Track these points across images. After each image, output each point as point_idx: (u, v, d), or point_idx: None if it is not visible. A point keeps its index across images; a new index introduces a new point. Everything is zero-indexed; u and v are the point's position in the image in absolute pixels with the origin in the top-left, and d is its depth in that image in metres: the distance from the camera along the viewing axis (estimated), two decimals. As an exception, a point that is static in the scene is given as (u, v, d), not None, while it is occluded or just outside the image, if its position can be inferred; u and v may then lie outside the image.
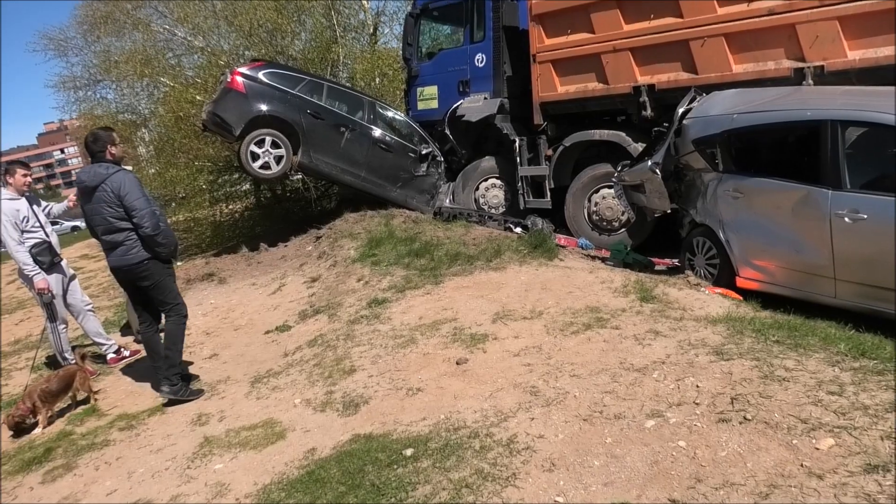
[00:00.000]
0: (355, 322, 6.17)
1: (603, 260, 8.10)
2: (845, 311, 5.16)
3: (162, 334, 5.72)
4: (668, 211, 7.29)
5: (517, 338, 5.02)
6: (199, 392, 5.54)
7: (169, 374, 5.47)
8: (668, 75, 8.27)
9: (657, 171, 6.99)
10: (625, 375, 3.95)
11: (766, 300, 5.73)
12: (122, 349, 6.76)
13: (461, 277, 6.91)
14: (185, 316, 5.61)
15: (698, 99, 7.01)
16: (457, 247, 8.07)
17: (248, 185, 14.13)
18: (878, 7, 6.68)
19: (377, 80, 14.05)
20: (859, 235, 5.12)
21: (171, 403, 5.30)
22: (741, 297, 6.08)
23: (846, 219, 5.20)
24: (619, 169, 7.77)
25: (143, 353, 5.95)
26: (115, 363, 6.62)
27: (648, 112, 8.43)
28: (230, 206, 14.47)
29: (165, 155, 14.50)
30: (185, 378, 5.59)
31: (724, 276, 6.47)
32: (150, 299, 5.60)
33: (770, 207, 5.93)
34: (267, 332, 6.71)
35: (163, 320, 6.14)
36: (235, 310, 7.88)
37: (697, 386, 3.60)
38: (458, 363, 4.74)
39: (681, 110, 6.88)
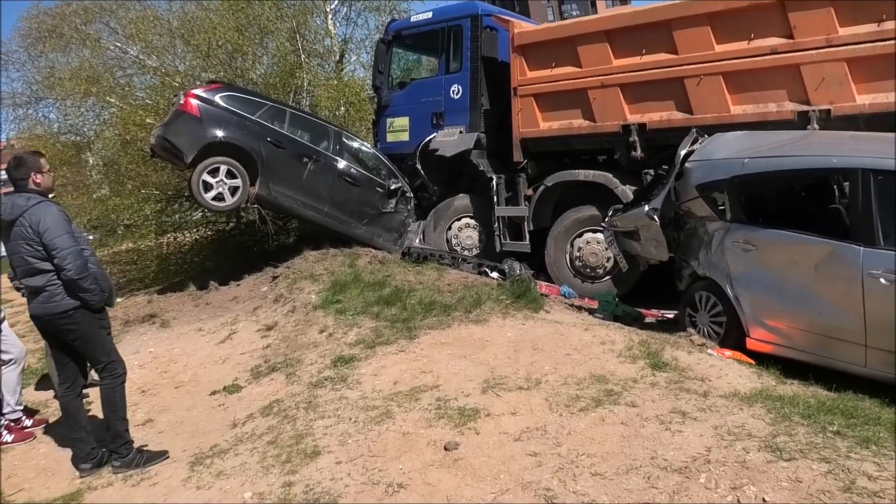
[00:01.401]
0: (318, 385, 5.30)
1: (590, 311, 7.42)
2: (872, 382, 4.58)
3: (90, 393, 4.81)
4: (665, 260, 6.65)
5: (515, 414, 4.24)
6: (162, 454, 4.68)
7: (116, 446, 4.62)
8: (660, 114, 7.74)
9: (655, 217, 6.37)
10: (663, 478, 3.19)
11: (786, 367, 5.09)
12: (24, 419, 5.65)
13: (439, 331, 6.12)
14: (122, 375, 4.70)
15: (700, 140, 6.44)
16: (431, 294, 7.28)
17: (198, 215, 13.12)
18: (891, 50, 6.25)
19: (342, 108, 13.29)
20: None
21: (94, 488, 4.35)
22: (752, 361, 5.46)
23: (882, 279, 4.62)
24: (611, 213, 7.13)
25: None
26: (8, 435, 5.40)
27: (638, 153, 7.87)
28: (178, 238, 13.40)
29: (109, 181, 13.43)
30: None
31: (731, 336, 5.84)
32: (78, 355, 4.68)
33: (788, 263, 5.34)
34: (213, 393, 5.78)
35: (92, 376, 5.25)
36: (178, 361, 6.91)
37: (764, 500, 2.87)
38: (446, 448, 3.93)
39: (682, 152, 6.30)
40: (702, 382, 4.57)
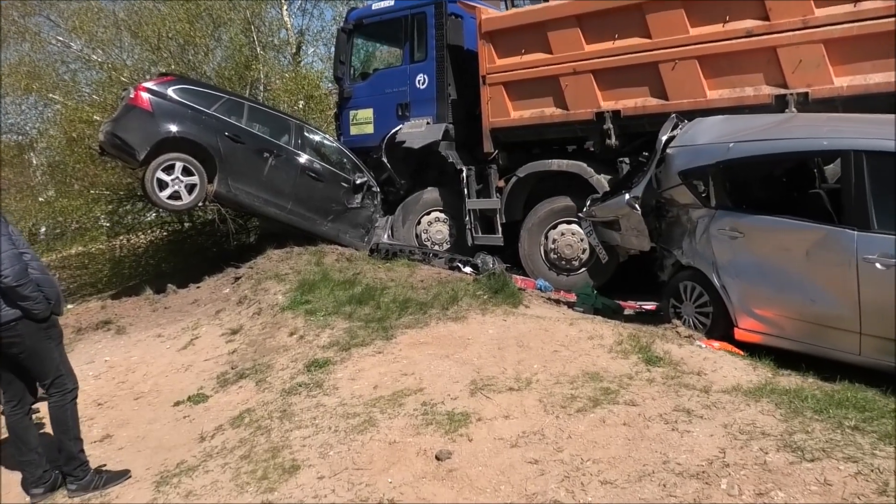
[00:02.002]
0: (292, 392, 4.95)
1: (569, 305, 7.20)
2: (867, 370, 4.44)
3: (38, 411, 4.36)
4: (646, 250, 6.46)
5: (508, 418, 3.96)
6: (123, 474, 4.30)
7: (70, 469, 4.22)
8: (634, 101, 7.55)
9: (636, 206, 6.17)
10: (680, 484, 2.95)
11: (777, 357, 4.93)
12: None
13: (416, 330, 5.81)
14: (73, 390, 4.28)
15: (681, 126, 6.25)
16: (405, 291, 6.97)
17: (152, 216, 12.54)
18: (868, 30, 6.15)
19: (301, 102, 12.84)
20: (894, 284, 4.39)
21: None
22: (741, 352, 5.30)
23: (877, 264, 4.47)
24: (589, 203, 6.90)
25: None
26: None
27: (613, 141, 7.67)
28: (132, 240, 12.79)
29: (55, 182, 12.74)
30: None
31: (718, 327, 5.66)
32: (24, 370, 4.25)
33: (778, 250, 5.17)
34: (177, 404, 5.37)
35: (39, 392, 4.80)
36: (136, 370, 6.45)
37: (795, 507, 2.66)
38: (438, 458, 3.63)
39: (663, 138, 6.09)
40: (699, 377, 4.37)
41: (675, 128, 6.21)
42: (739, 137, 5.55)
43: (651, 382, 4.21)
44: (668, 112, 7.03)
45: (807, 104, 6.51)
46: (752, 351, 5.18)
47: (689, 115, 6.55)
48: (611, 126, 7.62)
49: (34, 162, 14.80)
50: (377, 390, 4.69)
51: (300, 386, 5.01)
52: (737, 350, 5.37)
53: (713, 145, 5.67)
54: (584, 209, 6.92)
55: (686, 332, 5.66)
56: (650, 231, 6.26)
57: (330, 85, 14.26)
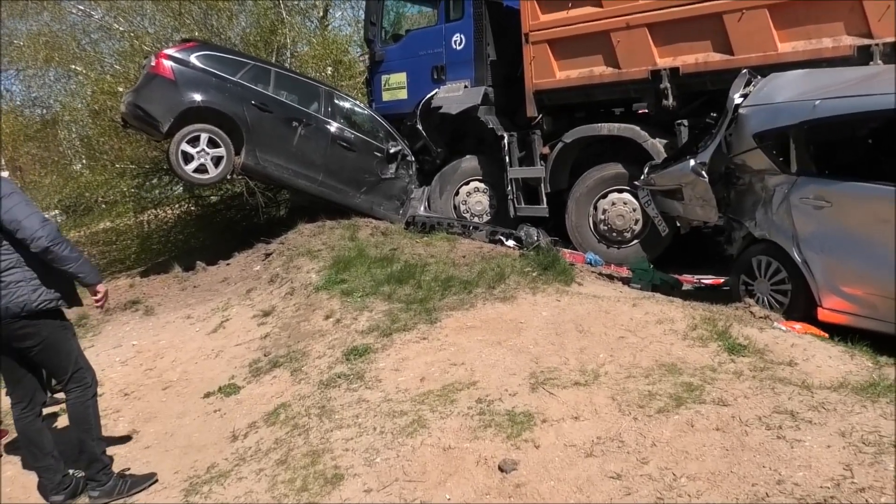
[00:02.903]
0: (330, 385, 4.51)
1: (624, 281, 6.65)
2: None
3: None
4: (713, 221, 5.86)
5: (578, 419, 3.47)
6: (149, 478, 3.93)
7: (93, 473, 3.83)
8: (695, 57, 6.87)
9: (703, 172, 5.56)
10: (808, 515, 2.45)
11: (875, 341, 4.36)
12: None
13: (462, 313, 5.33)
14: (93, 385, 3.88)
15: (754, 83, 5.60)
16: (446, 268, 6.48)
17: (180, 190, 12.17)
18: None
19: (329, 69, 12.29)
20: None
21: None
22: (825, 334, 4.74)
23: None
24: (647, 170, 6.32)
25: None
26: None
27: (670, 101, 7.02)
28: (160, 215, 12.44)
29: (84, 156, 12.43)
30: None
31: (798, 306, 5.10)
32: (35, 366, 3.86)
33: (873, 221, 4.56)
34: (207, 395, 4.97)
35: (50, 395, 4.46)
36: (165, 355, 6.09)
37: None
38: (502, 469, 3.16)
39: (736, 97, 5.46)
40: (791, 368, 3.83)
41: (747, 84, 5.57)
42: (826, 94, 4.90)
43: (739, 376, 3.68)
44: (732, 69, 6.41)
45: (894, 56, 5.82)
46: (839, 334, 4.62)
47: (758, 71, 5.89)
48: (668, 85, 6.97)
49: (61, 136, 14.48)
50: (425, 383, 4.23)
51: (339, 377, 4.57)
52: (820, 332, 4.81)
53: (795, 103, 5.04)
54: (642, 177, 6.34)
55: (761, 312, 5.11)
56: (718, 200, 5.67)
57: (359, 50, 13.70)
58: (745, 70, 5.70)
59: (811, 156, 4.98)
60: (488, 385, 4.03)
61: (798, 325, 4.90)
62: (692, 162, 5.67)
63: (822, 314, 4.92)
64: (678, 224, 6.36)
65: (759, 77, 5.65)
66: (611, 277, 6.84)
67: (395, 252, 7.13)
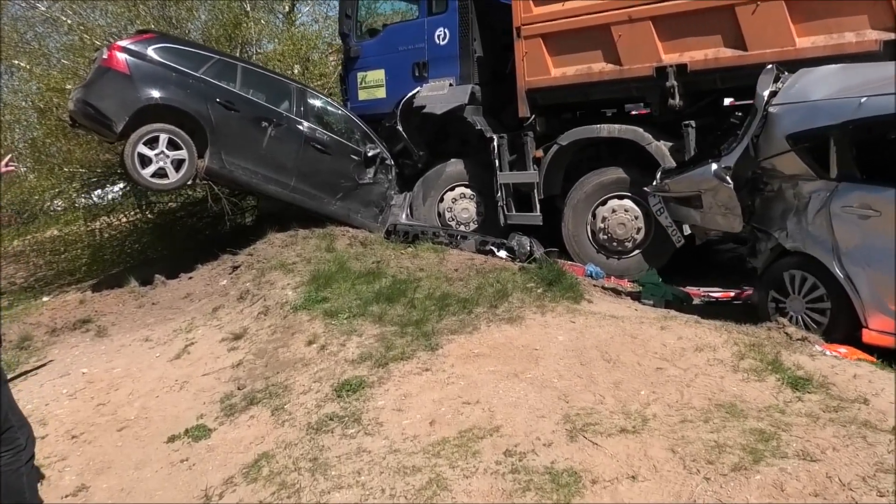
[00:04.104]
0: (321, 428, 3.82)
1: (634, 297, 6.10)
2: None
3: None
4: (737, 231, 5.34)
5: (636, 479, 2.86)
6: None
7: None
8: (704, 52, 6.37)
9: (727, 178, 5.04)
10: None
11: None
12: None
13: (465, 337, 4.70)
14: (28, 446, 3.13)
15: (782, 79, 5.10)
16: (440, 284, 5.85)
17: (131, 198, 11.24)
18: None
19: (297, 67, 11.53)
20: None
21: None
22: (873, 359, 4.25)
23: None
24: (660, 175, 5.78)
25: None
26: None
27: (676, 101, 6.50)
28: (113, 221, 11.47)
29: (34, 160, 11.42)
30: None
31: (839, 327, 4.62)
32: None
33: (931, 233, 4.09)
34: (172, 440, 4.23)
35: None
36: (120, 387, 5.30)
37: None
38: (555, 552, 2.54)
39: (765, 94, 4.94)
40: (867, 408, 3.29)
41: (776, 80, 5.06)
42: (873, 90, 4.41)
43: (815, 420, 3.13)
44: (745, 65, 6.00)
45: (923, 52, 5.39)
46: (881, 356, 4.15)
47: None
48: (675, 83, 6.44)
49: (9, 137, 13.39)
50: (436, 428, 3.58)
51: (331, 419, 3.89)
52: (868, 357, 4.32)
53: (836, 101, 4.55)
54: (654, 182, 5.80)
55: (798, 333, 4.59)
56: (743, 208, 5.15)
57: (326, 46, 12.98)
58: (772, 65, 5.19)
59: (855, 159, 4.49)
60: (514, 431, 3.40)
61: (843, 349, 4.41)
62: (714, 166, 5.14)
63: (868, 336, 4.44)
64: (693, 234, 5.83)
65: (787, 73, 5.16)
66: (616, 292, 6.29)
67: (380, 265, 6.47)
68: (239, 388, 4.70)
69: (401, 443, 3.50)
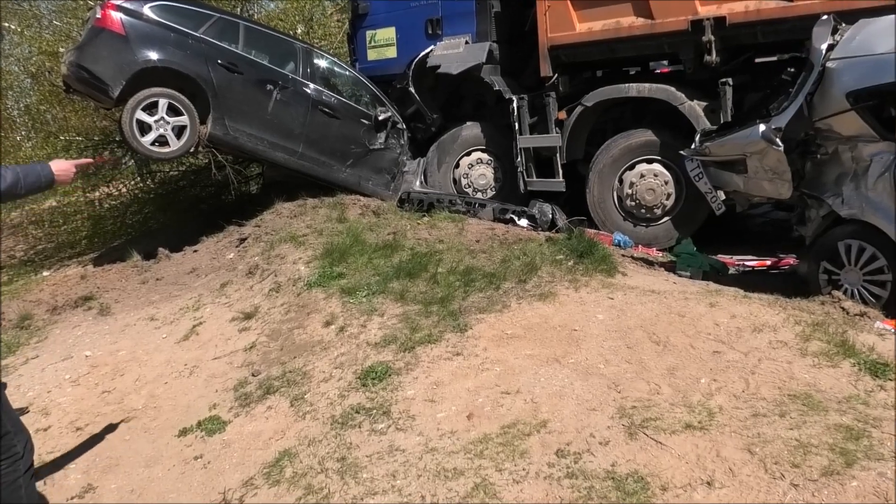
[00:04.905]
0: (346, 422, 3.50)
1: (668, 268, 5.74)
2: None
3: None
4: (787, 198, 4.95)
5: (711, 486, 2.54)
6: None
7: None
8: (745, 4, 5.90)
9: (778, 140, 4.62)
10: None
11: None
12: None
13: (495, 316, 4.35)
14: (26, 455, 2.80)
15: (840, 30, 4.66)
16: (462, 257, 5.49)
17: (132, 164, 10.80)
18: None
19: (300, 27, 11.00)
20: None
21: None
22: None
23: None
24: (699, 138, 5.37)
25: None
26: None
27: (713, 57, 6.04)
28: (113, 192, 11.05)
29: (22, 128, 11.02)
30: None
31: (901, 301, 4.26)
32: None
33: None
34: (183, 433, 3.92)
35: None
36: (126, 372, 4.98)
37: None
38: (631, 577, 2.22)
39: (823, 47, 4.50)
40: (958, 395, 2.94)
41: (833, 33, 4.62)
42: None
43: (905, 413, 2.78)
44: (790, 17, 5.50)
45: None
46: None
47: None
48: (711, 38, 5.98)
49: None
50: (475, 422, 3.25)
51: (357, 411, 3.56)
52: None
53: (905, 54, 4.11)
54: (693, 145, 5.39)
55: (856, 308, 4.25)
56: (793, 173, 4.75)
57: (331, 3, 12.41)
58: (828, 15, 4.74)
59: (924, 119, 4.09)
60: (564, 426, 3.07)
61: (904, 324, 4.06)
62: (762, 127, 4.72)
63: (934, 311, 4.09)
64: (734, 201, 5.44)
65: (843, 24, 4.71)
66: (649, 263, 5.93)
67: (397, 237, 6.09)
68: (253, 375, 4.36)
69: (437, 440, 3.17)
